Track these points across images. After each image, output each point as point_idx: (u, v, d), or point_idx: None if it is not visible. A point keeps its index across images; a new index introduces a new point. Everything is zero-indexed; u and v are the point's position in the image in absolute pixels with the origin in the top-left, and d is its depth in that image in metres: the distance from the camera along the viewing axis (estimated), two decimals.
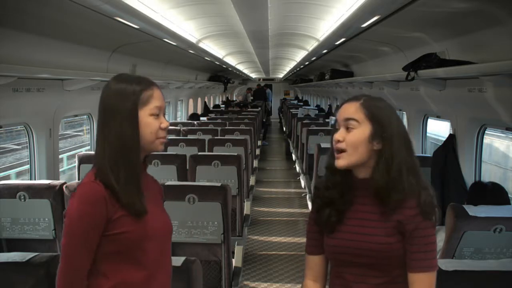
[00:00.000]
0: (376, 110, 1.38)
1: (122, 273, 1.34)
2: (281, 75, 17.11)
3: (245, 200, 4.28)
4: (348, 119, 1.38)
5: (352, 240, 1.39)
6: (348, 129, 1.38)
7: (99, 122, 1.38)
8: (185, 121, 8.21)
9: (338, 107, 1.45)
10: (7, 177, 7.77)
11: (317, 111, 10.60)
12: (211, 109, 12.05)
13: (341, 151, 1.37)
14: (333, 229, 1.42)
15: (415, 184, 1.36)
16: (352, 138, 1.36)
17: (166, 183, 2.75)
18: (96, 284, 1.34)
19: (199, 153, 4.59)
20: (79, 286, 1.32)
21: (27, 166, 3.84)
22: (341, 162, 1.38)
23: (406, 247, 1.35)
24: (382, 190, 1.35)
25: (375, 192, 1.37)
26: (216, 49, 6.72)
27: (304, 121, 7.66)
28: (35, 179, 3.51)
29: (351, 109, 1.39)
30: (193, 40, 4.94)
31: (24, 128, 3.50)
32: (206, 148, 5.13)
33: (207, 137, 5.48)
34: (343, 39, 4.35)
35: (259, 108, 12.61)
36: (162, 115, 1.41)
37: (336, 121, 1.43)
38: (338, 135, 1.38)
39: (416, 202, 1.35)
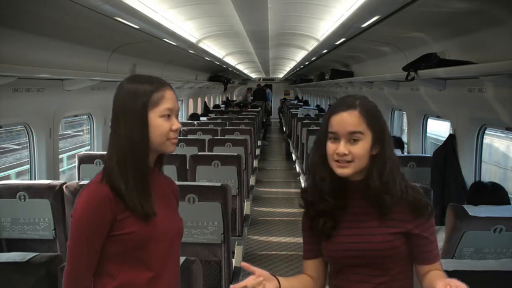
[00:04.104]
0: (373, 116, 1.37)
1: (127, 273, 1.34)
2: (281, 75, 17.11)
3: (245, 200, 4.27)
4: (353, 133, 1.33)
5: (351, 242, 1.38)
6: (351, 140, 1.34)
7: (111, 123, 1.38)
8: (185, 121, 8.21)
9: (330, 108, 1.42)
10: (7, 177, 7.76)
11: (317, 111, 10.60)
12: (211, 109, 12.04)
13: (347, 161, 1.35)
14: (329, 235, 1.41)
15: (403, 183, 1.37)
16: (360, 152, 1.34)
17: None
18: (102, 283, 1.35)
19: (199, 153, 4.59)
20: (85, 286, 1.33)
21: (27, 166, 3.84)
22: (347, 171, 1.35)
23: (413, 243, 1.37)
24: (376, 193, 1.36)
25: (369, 194, 1.37)
26: (216, 49, 6.72)
27: (304, 121, 7.66)
28: (35, 179, 3.51)
29: (353, 121, 1.34)
30: (193, 40, 4.94)
31: (24, 128, 3.50)
32: (206, 148, 5.12)
33: (207, 137, 5.48)
34: (343, 39, 4.35)
35: (259, 108, 12.60)
36: (174, 117, 1.38)
37: (332, 132, 1.36)
38: (343, 149, 1.33)
39: (406, 200, 1.36)
